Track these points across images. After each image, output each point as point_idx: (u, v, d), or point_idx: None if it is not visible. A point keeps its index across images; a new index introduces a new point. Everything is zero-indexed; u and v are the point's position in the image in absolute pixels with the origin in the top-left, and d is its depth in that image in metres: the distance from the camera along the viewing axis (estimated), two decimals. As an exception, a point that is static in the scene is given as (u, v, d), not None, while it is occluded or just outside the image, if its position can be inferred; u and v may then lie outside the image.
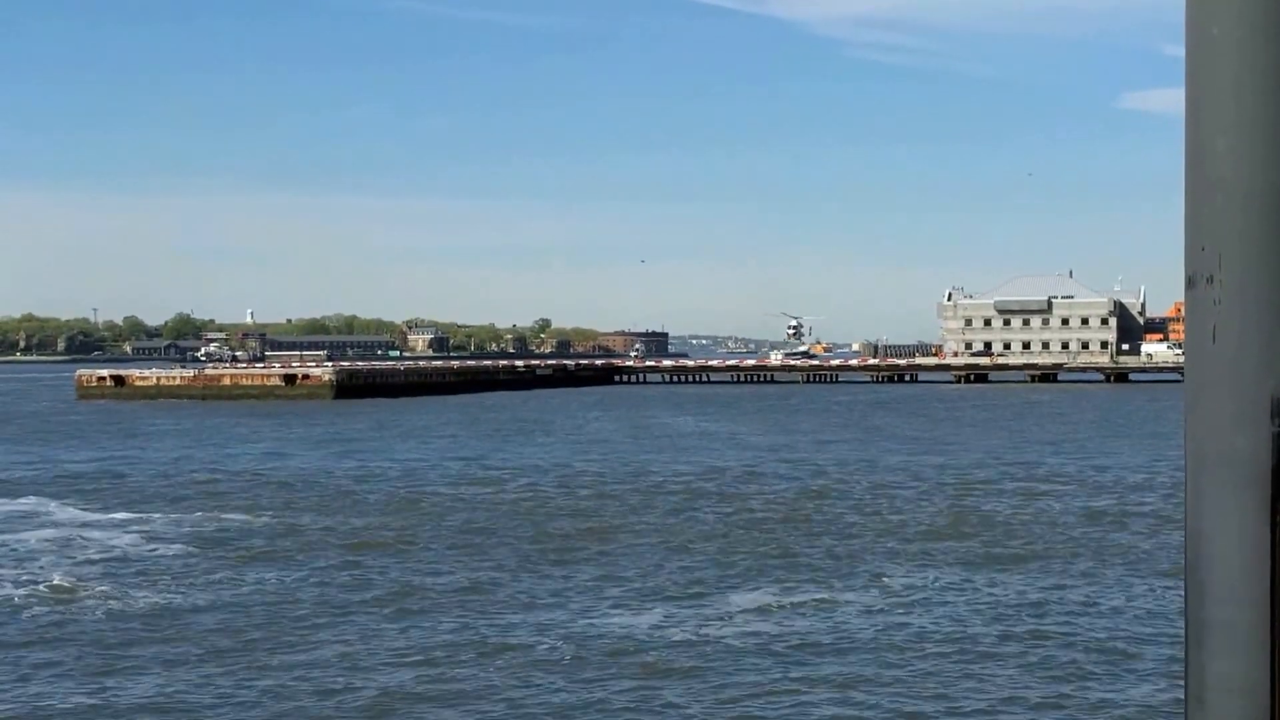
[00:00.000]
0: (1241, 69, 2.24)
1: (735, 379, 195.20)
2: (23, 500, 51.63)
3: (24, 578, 34.57)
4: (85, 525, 44.56)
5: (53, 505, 50.03)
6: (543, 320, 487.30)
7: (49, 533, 42.66)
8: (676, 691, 23.53)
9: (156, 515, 46.69)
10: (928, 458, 67.85)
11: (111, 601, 31.35)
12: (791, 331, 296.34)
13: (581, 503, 49.77)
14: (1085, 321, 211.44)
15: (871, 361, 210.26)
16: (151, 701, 23.22)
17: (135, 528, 43.78)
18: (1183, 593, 2.38)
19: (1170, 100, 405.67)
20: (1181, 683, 2.38)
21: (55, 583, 33.69)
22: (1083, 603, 30.84)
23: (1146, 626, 28.36)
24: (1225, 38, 2.25)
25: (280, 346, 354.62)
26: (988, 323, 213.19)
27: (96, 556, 37.94)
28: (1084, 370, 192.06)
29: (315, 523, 44.81)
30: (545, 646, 26.70)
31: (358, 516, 46.50)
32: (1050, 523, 43.76)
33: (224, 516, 46.12)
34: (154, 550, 39.12)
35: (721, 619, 29.15)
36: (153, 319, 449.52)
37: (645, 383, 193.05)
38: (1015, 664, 25.23)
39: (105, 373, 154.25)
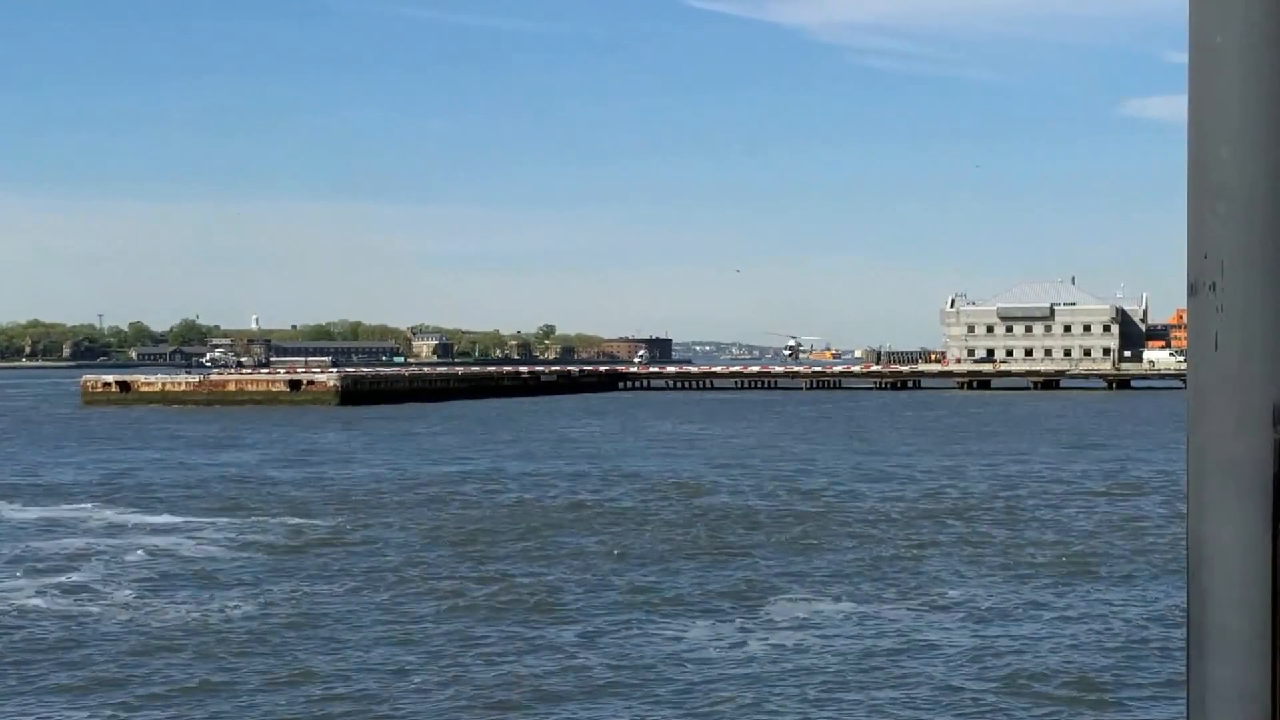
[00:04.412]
0: (1244, 76, 2.24)
1: (739, 385, 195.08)
2: (47, 506, 51.20)
3: (75, 585, 34.18)
4: (128, 530, 44.36)
5: (87, 509, 49.71)
6: (547, 326, 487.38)
7: (93, 540, 42.12)
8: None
9: (194, 520, 46.53)
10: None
11: (192, 611, 30.94)
12: (789, 351, 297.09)
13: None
14: (1087, 328, 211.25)
15: (875, 368, 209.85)
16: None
17: (180, 533, 43.60)
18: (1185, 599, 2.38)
19: (1171, 107, 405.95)
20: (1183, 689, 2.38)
21: (120, 591, 33.24)
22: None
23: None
24: (1228, 45, 2.25)
25: (285, 352, 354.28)
26: (990, 329, 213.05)
27: (154, 563, 37.65)
28: (1086, 377, 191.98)
29: (353, 527, 44.83)
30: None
31: (394, 520, 46.61)
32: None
33: (267, 521, 46.01)
34: (203, 556, 38.95)
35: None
36: (158, 325, 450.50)
37: (649, 389, 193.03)
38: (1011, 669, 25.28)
39: (110, 378, 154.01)
